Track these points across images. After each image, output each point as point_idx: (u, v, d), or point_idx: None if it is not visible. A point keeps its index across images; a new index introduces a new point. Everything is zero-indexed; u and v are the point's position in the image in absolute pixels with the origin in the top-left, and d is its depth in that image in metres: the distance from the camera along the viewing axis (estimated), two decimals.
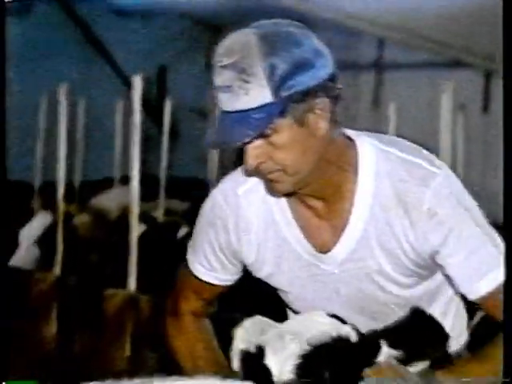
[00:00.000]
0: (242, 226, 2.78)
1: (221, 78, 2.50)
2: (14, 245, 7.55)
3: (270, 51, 2.48)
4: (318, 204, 2.69)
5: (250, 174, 2.66)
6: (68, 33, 11.37)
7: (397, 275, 2.71)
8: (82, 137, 8.56)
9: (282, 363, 2.53)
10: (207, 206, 2.81)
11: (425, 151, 2.69)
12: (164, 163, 7.92)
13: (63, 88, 7.05)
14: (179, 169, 9.89)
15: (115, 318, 5.79)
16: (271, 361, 2.55)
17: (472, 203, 2.67)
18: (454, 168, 6.75)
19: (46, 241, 7.15)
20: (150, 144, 7.79)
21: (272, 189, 2.63)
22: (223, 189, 2.80)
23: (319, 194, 2.66)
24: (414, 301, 2.70)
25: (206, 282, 2.92)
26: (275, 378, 2.51)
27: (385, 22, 9.39)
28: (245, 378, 2.61)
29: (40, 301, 6.34)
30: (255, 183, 2.74)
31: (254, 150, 2.53)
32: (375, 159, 2.67)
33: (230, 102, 2.50)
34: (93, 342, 6.02)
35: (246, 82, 2.47)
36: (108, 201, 8.39)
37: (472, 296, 2.66)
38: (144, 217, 6.93)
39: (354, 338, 2.54)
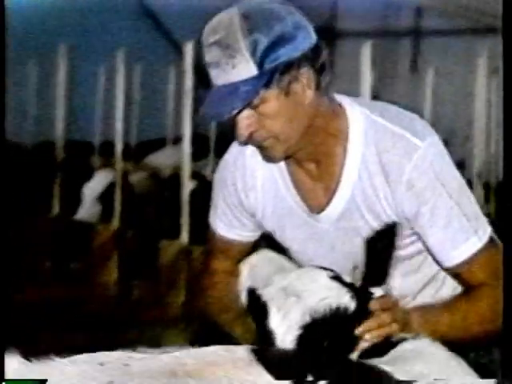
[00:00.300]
0: (249, 184, 2.80)
1: (209, 55, 2.52)
2: (77, 201, 7.60)
3: (252, 27, 2.50)
4: (311, 166, 2.71)
5: (244, 143, 2.68)
6: (124, 4, 11.35)
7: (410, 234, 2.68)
8: (137, 100, 8.56)
9: (284, 332, 2.54)
10: (220, 168, 2.85)
11: (416, 120, 2.70)
12: (213, 124, 7.91)
13: (120, 55, 7.05)
14: (227, 129, 9.86)
15: (170, 267, 5.80)
16: (274, 323, 2.55)
17: (452, 176, 2.65)
18: (488, 129, 6.70)
19: (106, 196, 7.19)
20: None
21: (266, 156, 2.67)
22: (232, 151, 2.82)
23: (312, 158, 2.69)
24: (405, 259, 2.72)
25: (229, 240, 2.93)
26: (278, 342, 2.52)
27: None
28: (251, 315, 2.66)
29: (101, 251, 6.35)
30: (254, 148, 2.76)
31: (245, 121, 2.55)
32: (364, 128, 2.68)
33: (218, 76, 2.51)
34: (149, 289, 6.05)
35: (232, 57, 2.49)
36: (162, 159, 8.42)
37: (447, 264, 2.68)
38: (194, 174, 6.95)
39: (352, 307, 2.54)
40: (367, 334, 2.55)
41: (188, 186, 6.26)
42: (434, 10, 10.19)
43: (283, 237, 2.85)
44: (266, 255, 2.76)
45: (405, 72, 11.21)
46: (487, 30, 10.01)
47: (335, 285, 2.60)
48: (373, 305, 2.57)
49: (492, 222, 2.73)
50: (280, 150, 2.61)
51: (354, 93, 6.03)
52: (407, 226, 2.65)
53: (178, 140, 7.50)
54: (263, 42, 2.50)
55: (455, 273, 2.72)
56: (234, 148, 2.83)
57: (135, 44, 9.13)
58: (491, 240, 2.67)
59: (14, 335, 5.04)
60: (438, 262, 2.71)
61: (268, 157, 2.68)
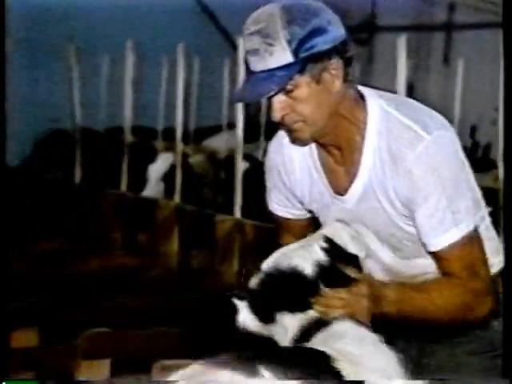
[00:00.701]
0: (289, 168, 2.81)
1: (249, 44, 2.56)
2: (143, 180, 7.68)
3: (290, 20, 2.54)
4: (336, 152, 2.71)
5: (280, 126, 2.70)
6: (184, 3, 11.37)
7: (396, 214, 2.69)
8: (196, 90, 8.57)
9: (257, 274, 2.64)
10: (266, 156, 2.89)
11: (429, 115, 2.70)
12: (264, 110, 7.92)
13: (180, 49, 7.05)
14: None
15: (224, 239, 5.83)
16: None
17: (451, 171, 2.65)
18: None
19: (168, 176, 7.25)
20: None
21: (294, 138, 2.70)
22: (274, 140, 2.85)
23: (335, 144, 2.69)
24: (409, 241, 2.71)
25: (286, 218, 2.94)
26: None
27: None
28: None
29: (164, 224, 6.38)
30: None
31: (279, 104, 2.58)
32: (379, 118, 2.68)
33: (257, 63, 2.55)
34: (206, 258, 6.09)
35: (271, 45, 2.53)
36: (217, 143, 8.47)
37: (428, 249, 2.68)
38: (247, 156, 6.95)
39: (310, 272, 2.56)
40: (316, 306, 2.57)
41: (241, 166, 6.27)
42: (466, 5, 10.08)
43: (319, 215, 2.86)
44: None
45: (438, 63, 11.12)
46: None
47: (317, 251, 2.64)
48: (327, 290, 2.58)
49: None
50: (307, 132, 2.63)
51: (390, 83, 5.99)
52: (404, 211, 2.65)
53: (232, 125, 7.52)
54: (300, 33, 2.53)
55: (434, 258, 2.71)
56: (276, 136, 2.84)
57: (194, 39, 9.16)
58: (472, 235, 2.68)
59: (90, 297, 4.99)
60: (423, 246, 2.70)
61: (296, 139, 2.70)
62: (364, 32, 11.53)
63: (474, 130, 9.58)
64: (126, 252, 6.40)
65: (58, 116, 8.89)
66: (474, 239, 2.65)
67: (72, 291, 4.89)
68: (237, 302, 2.58)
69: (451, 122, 7.94)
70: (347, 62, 2.62)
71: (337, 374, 2.43)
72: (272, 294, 2.60)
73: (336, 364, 2.43)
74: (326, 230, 2.76)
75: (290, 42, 2.53)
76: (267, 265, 2.64)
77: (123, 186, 7.04)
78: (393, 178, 2.64)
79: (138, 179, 7.56)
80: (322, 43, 2.56)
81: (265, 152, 3.16)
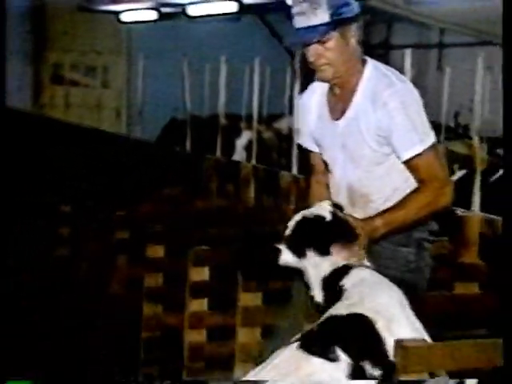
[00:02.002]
0: (307, 109, 2.82)
1: (298, 8, 2.58)
2: (232, 149, 7.71)
3: None
4: (337, 90, 2.72)
5: (312, 66, 2.68)
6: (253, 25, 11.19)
7: (370, 138, 2.66)
8: (267, 88, 8.51)
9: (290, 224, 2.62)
10: (296, 105, 3.03)
11: (405, 78, 2.75)
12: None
13: (257, 59, 6.97)
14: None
15: (286, 189, 5.75)
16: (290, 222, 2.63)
17: (413, 106, 2.63)
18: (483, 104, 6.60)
19: (249, 147, 7.26)
20: None
21: (320, 76, 2.68)
22: (301, 96, 2.91)
23: (340, 84, 2.69)
24: (387, 155, 2.66)
25: (311, 152, 2.90)
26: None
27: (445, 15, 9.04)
28: None
29: (245, 178, 6.31)
30: (313, 88, 2.81)
31: (314, 50, 2.60)
32: (371, 69, 2.69)
33: (304, 21, 2.56)
34: (273, 203, 5.99)
35: (316, 9, 2.56)
36: (282, 124, 8.45)
37: (404, 159, 2.63)
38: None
39: (329, 218, 2.54)
40: (337, 251, 2.51)
41: (296, 139, 6.17)
42: (453, 30, 9.86)
43: (320, 140, 2.82)
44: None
45: (433, 70, 10.92)
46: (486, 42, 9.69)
47: (327, 207, 2.61)
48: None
49: None
50: (329, 72, 2.64)
51: None
52: (382, 140, 2.63)
53: (291, 112, 7.46)
54: (335, 3, 2.58)
55: (408, 168, 2.65)
56: (302, 94, 2.91)
57: (266, 50, 9.02)
58: (432, 148, 2.63)
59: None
60: (398, 158, 2.65)
61: (321, 76, 2.69)
62: (382, 48, 11.38)
63: (456, 114, 9.47)
64: (218, 195, 6.35)
65: (177, 106, 8.94)
66: (433, 151, 2.64)
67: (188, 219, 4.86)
68: (279, 245, 2.56)
69: (441, 109, 7.86)
70: (360, 30, 2.68)
71: (377, 336, 2.26)
72: (303, 235, 2.56)
73: (376, 326, 2.26)
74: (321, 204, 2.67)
75: (328, 8, 2.55)
76: (297, 216, 2.62)
77: (218, 153, 7.07)
78: (374, 111, 2.61)
79: (229, 149, 7.64)
80: (348, 12, 2.61)
81: None
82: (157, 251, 4.21)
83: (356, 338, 2.26)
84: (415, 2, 8.77)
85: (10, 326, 4.83)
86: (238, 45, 10.37)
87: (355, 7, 2.64)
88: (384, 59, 12.18)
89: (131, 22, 11.20)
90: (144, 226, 4.46)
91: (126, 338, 4.27)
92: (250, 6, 9.26)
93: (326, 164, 2.87)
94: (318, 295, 2.52)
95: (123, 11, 10.92)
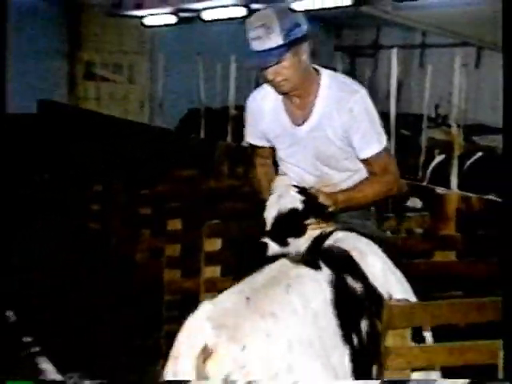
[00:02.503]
0: (261, 113, 2.71)
1: (254, 33, 2.50)
2: (242, 136, 7.61)
3: (280, 18, 2.50)
4: (296, 100, 2.64)
5: (269, 84, 2.61)
6: None
7: (337, 139, 2.62)
8: None
9: (269, 219, 2.58)
10: (246, 107, 2.80)
11: (355, 82, 2.66)
12: None
13: None
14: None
15: None
16: (266, 214, 2.59)
17: (372, 111, 2.61)
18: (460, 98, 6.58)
19: None
20: None
21: (278, 90, 2.61)
22: (251, 96, 2.78)
23: (299, 94, 2.62)
24: (345, 159, 2.64)
25: (259, 146, 2.83)
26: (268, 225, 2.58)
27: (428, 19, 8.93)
28: None
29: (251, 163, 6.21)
30: (266, 92, 2.70)
31: (273, 70, 2.53)
32: (328, 79, 2.63)
33: (260, 45, 2.49)
34: None
35: (270, 33, 2.48)
36: None
37: (362, 157, 2.63)
38: None
39: (301, 208, 2.53)
40: (310, 227, 2.55)
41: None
42: (434, 32, 9.75)
43: (278, 143, 2.73)
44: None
45: (416, 67, 10.83)
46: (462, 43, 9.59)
47: (296, 196, 2.57)
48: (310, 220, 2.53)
49: None
50: (287, 87, 2.58)
51: (387, 79, 5.82)
52: (346, 140, 2.61)
53: None
54: (287, 25, 2.50)
55: (364, 163, 2.65)
56: (252, 93, 2.78)
57: None
58: (386, 148, 2.64)
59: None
60: (357, 155, 2.64)
61: (280, 91, 2.61)
62: (372, 49, 11.28)
63: (437, 106, 9.39)
64: (229, 176, 6.31)
65: (193, 99, 8.90)
66: (386, 151, 2.66)
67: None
68: (265, 240, 2.55)
69: (423, 101, 7.73)
70: (310, 47, 2.58)
71: (355, 261, 2.31)
72: (282, 229, 2.56)
73: (352, 254, 2.32)
74: (283, 181, 2.66)
75: (281, 31, 2.48)
76: (273, 212, 2.59)
77: (229, 139, 7.04)
78: (339, 116, 2.58)
79: (238, 136, 7.56)
80: (298, 32, 2.53)
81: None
82: (175, 225, 4.21)
83: (337, 258, 2.33)
84: (402, 8, 8.67)
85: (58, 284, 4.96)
86: (246, 45, 10.27)
87: (305, 27, 2.56)
88: (374, 58, 12.05)
89: (153, 26, 11.16)
90: (164, 203, 4.47)
91: (151, 300, 4.29)
92: (256, 10, 9.17)
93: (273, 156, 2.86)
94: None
95: (146, 16, 10.87)
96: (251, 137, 2.82)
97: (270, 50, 2.48)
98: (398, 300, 2.29)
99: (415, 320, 2.30)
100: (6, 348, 4.04)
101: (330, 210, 2.54)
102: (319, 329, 2.04)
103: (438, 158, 6.14)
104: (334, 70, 2.73)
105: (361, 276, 2.30)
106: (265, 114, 2.70)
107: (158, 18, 10.91)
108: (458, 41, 9.64)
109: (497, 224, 3.28)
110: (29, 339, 4.44)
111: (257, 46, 2.49)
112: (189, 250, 4.09)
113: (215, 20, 10.81)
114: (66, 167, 6.91)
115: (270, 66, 2.51)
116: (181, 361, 1.96)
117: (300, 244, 2.51)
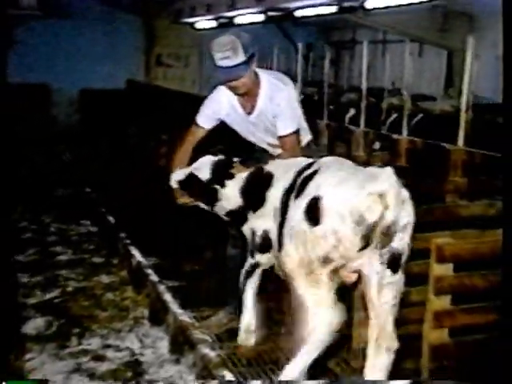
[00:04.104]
0: (220, 104, 2.62)
1: (221, 54, 2.34)
2: None
3: (241, 40, 2.38)
4: (245, 96, 2.58)
5: (231, 89, 2.52)
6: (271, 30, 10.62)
7: (270, 123, 2.55)
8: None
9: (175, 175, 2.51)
10: (211, 95, 2.65)
11: (287, 78, 2.53)
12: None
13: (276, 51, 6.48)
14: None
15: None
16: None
17: (295, 103, 2.49)
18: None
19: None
20: None
21: (238, 92, 2.54)
22: (218, 89, 2.62)
23: (246, 93, 2.56)
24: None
25: (200, 126, 2.67)
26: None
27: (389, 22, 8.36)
28: None
29: None
30: (222, 89, 2.61)
31: (236, 81, 2.46)
32: (265, 80, 2.54)
33: (228, 62, 2.35)
34: None
35: (235, 53, 2.39)
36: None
37: (280, 134, 2.51)
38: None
39: (208, 175, 2.46)
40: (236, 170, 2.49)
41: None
42: (392, 31, 9.15)
43: (234, 125, 2.67)
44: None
45: (380, 56, 10.25)
46: (412, 40, 8.97)
47: (208, 163, 2.48)
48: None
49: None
50: (243, 90, 2.54)
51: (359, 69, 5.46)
52: (274, 122, 2.51)
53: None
54: (247, 45, 2.41)
55: (280, 140, 2.55)
56: (219, 88, 2.64)
57: (280, 45, 8.49)
58: (297, 132, 2.55)
59: None
60: (277, 133, 2.55)
61: (239, 93, 2.56)
62: (350, 43, 10.78)
63: (393, 82, 8.94)
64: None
65: None
66: (296, 133, 2.54)
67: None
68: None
69: (384, 79, 7.26)
70: (255, 60, 2.46)
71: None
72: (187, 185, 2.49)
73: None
74: (207, 158, 2.55)
75: (244, 51, 2.39)
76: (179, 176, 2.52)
77: None
78: (272, 107, 2.48)
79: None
80: (253, 51, 2.43)
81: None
82: None
83: None
84: (371, 15, 8.25)
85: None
86: (261, 43, 9.80)
87: (255, 46, 2.44)
88: (352, 50, 11.59)
89: (201, 29, 10.89)
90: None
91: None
92: (272, 16, 8.73)
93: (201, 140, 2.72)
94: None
95: (196, 22, 10.64)
96: (203, 119, 2.69)
97: (237, 65, 2.37)
98: None
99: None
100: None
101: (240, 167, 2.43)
102: None
103: (394, 116, 6.18)
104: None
105: None
106: (223, 105, 2.62)
107: (204, 22, 10.46)
108: (408, 38, 9.16)
109: (431, 158, 3.40)
110: (123, 234, 4.49)
111: (226, 63, 2.36)
112: None
113: (243, 24, 10.31)
114: (148, 122, 6.83)
115: (235, 80, 2.43)
116: None
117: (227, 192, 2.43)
